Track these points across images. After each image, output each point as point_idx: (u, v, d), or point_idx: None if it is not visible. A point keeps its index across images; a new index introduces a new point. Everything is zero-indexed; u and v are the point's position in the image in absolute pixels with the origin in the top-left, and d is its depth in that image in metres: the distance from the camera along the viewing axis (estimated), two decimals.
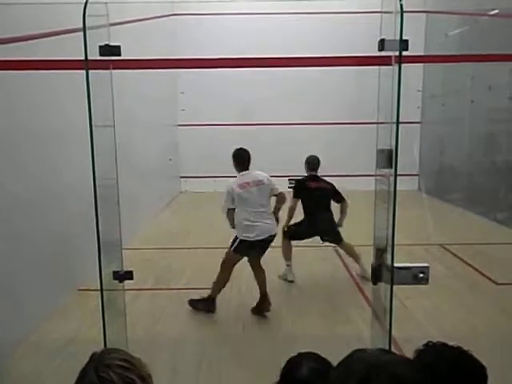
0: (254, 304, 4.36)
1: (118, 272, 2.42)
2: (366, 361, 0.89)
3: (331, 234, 5.20)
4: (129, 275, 2.44)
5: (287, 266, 5.24)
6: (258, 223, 4.17)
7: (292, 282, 5.15)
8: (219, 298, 4.42)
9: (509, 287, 4.96)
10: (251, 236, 4.16)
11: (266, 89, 10.38)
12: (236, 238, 4.27)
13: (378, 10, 2.02)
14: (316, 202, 5.11)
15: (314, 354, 1.56)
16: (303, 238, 5.26)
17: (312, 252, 5.97)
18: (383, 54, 1.98)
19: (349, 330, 3.99)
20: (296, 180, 5.35)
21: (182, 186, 11.33)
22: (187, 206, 9.85)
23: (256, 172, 4.35)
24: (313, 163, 5.27)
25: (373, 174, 2.23)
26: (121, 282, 2.44)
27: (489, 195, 8.25)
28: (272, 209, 4.40)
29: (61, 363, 3.40)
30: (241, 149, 4.40)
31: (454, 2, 9.02)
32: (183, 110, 11.03)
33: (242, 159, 4.32)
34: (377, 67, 2.14)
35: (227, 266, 4.29)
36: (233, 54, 2.57)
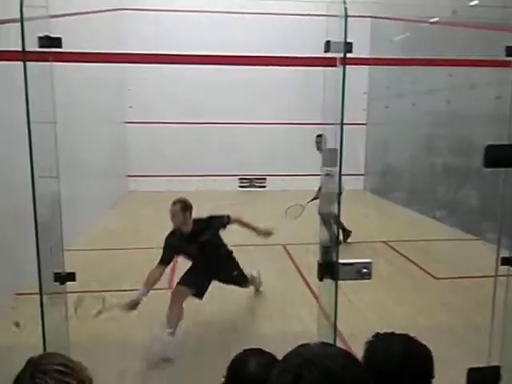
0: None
1: (59, 274, 2.31)
2: (301, 356, 0.90)
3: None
4: (71, 277, 2.34)
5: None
6: None
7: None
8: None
9: (447, 281, 5.23)
10: None
11: (214, 87, 10.35)
12: None
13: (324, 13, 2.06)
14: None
15: (259, 349, 1.56)
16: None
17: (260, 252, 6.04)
18: (329, 55, 2.02)
19: (298, 327, 4.04)
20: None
21: (130, 186, 11.02)
22: (134, 206, 9.60)
23: None
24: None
25: (319, 173, 2.27)
26: (62, 284, 2.34)
27: (428, 194, 8.66)
28: None
29: None
30: None
31: (398, 9, 9.38)
32: (131, 106, 10.76)
33: None
34: (323, 68, 2.18)
35: None
36: (181, 51, 2.52)
